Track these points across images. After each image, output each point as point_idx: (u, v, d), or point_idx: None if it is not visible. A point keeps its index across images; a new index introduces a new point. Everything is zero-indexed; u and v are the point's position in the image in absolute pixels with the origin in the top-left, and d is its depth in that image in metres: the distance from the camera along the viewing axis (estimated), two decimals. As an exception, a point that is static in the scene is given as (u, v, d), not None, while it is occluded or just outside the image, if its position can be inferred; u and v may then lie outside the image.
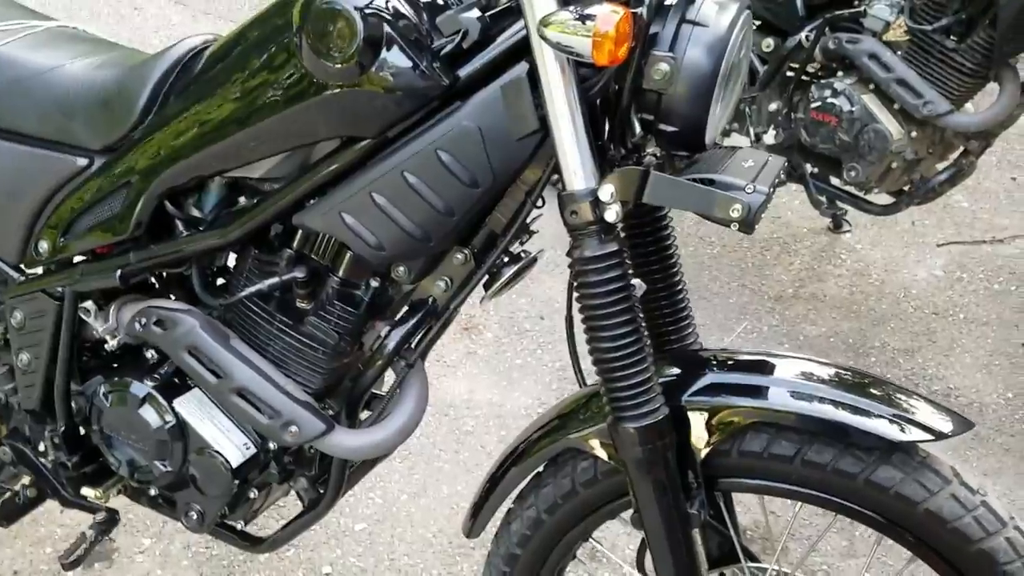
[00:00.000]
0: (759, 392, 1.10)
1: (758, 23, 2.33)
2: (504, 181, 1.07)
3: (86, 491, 1.33)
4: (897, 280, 2.69)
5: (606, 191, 1.00)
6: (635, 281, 1.13)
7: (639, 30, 0.96)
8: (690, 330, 1.25)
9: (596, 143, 1.03)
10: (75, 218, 1.26)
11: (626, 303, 1.04)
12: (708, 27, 0.98)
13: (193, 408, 1.25)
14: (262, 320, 1.23)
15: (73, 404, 1.32)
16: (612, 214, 1.01)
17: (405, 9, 1.03)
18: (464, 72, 1.04)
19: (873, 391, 1.09)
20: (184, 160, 1.16)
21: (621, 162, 1.06)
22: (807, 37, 2.26)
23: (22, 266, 1.33)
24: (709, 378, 1.12)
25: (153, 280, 1.32)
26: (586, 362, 1.12)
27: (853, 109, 2.21)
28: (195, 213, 1.22)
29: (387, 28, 1.01)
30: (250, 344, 1.23)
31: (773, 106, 2.38)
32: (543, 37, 0.94)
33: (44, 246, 1.28)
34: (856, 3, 2.24)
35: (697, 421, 1.09)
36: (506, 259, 1.19)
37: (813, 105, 2.26)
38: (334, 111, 1.07)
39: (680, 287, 1.24)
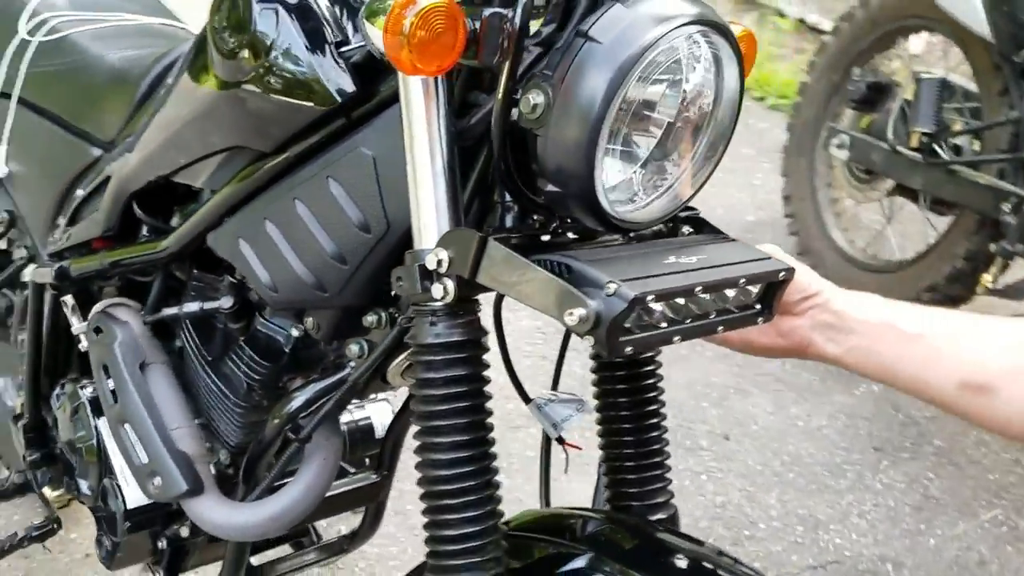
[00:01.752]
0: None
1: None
2: (403, 233, 0.82)
3: (46, 491, 1.28)
4: None
5: (434, 258, 0.71)
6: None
7: (503, 38, 0.67)
8: (658, 497, 0.90)
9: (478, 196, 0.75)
10: (79, 207, 1.22)
11: (460, 418, 0.75)
12: (602, 44, 0.66)
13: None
14: (189, 348, 1.08)
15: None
16: (439, 289, 0.72)
17: (317, 2, 0.84)
18: (379, 87, 0.82)
19: None
20: (139, 163, 1.07)
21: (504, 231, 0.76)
22: None
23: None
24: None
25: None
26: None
27: None
28: (152, 220, 1.11)
29: (285, 19, 0.83)
30: (175, 373, 1.09)
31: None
32: (366, 32, 0.69)
33: (58, 232, 1.26)
34: None
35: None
36: None
37: None
38: (229, 115, 0.91)
39: (656, 433, 0.90)
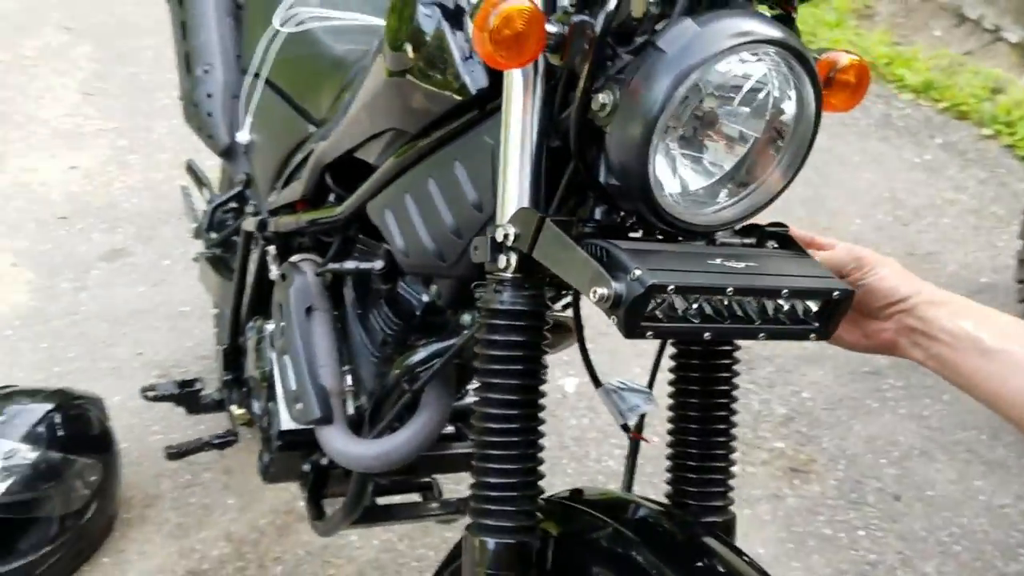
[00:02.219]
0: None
1: None
2: None
3: (233, 408, 1.51)
4: None
5: (502, 232, 0.80)
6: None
7: (588, 44, 0.75)
8: (716, 500, 0.92)
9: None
10: (291, 174, 1.43)
11: (510, 379, 0.83)
12: (667, 53, 0.72)
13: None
14: (348, 302, 1.25)
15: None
16: (503, 260, 0.80)
17: (467, 5, 0.96)
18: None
19: None
20: (333, 139, 1.24)
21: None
22: None
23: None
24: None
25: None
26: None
27: None
28: (338, 189, 1.29)
29: (440, 21, 0.96)
30: (336, 323, 1.25)
31: None
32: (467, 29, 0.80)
33: (275, 193, 1.48)
34: None
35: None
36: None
37: None
38: (391, 101, 1.05)
39: (722, 434, 0.92)
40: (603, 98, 0.75)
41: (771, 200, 0.81)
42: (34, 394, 1.84)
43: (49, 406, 1.81)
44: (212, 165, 2.01)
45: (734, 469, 0.95)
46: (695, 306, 0.76)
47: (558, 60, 0.78)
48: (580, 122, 0.77)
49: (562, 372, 2.31)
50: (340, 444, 1.15)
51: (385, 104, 1.06)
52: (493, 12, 0.73)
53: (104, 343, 2.45)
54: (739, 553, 0.88)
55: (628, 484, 1.07)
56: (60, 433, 1.79)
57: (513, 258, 0.81)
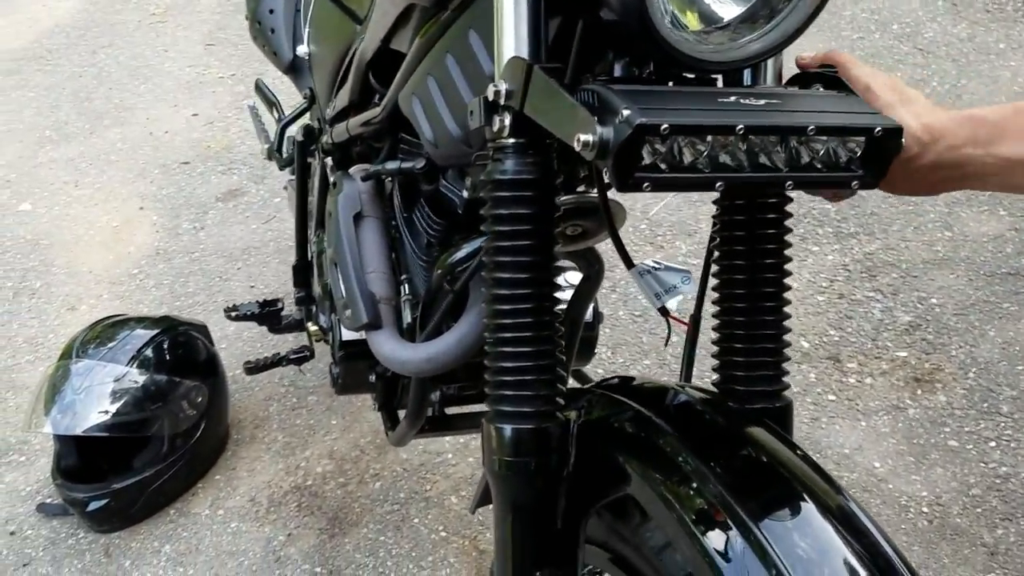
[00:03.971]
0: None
1: None
2: None
3: (309, 325, 1.51)
4: None
5: (492, 89, 0.73)
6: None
7: None
8: (771, 374, 0.82)
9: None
10: (342, 80, 1.40)
11: (518, 256, 0.76)
12: None
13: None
14: (395, 207, 1.21)
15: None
16: (498, 122, 0.73)
17: None
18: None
19: None
20: (368, 34, 1.19)
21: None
22: None
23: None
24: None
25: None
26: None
27: None
28: (381, 88, 1.24)
29: None
30: (385, 228, 1.22)
31: None
32: None
33: (331, 103, 1.45)
34: None
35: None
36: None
37: None
38: None
39: (772, 312, 0.82)
40: None
41: (806, 24, 0.70)
42: (141, 321, 1.92)
43: (155, 331, 1.88)
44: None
45: (792, 356, 0.84)
46: (705, 153, 0.66)
47: None
48: None
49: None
50: (388, 349, 1.11)
51: None
52: None
53: (220, 277, 2.54)
54: (788, 443, 0.77)
55: (687, 374, 0.99)
56: (166, 357, 1.86)
57: (508, 118, 0.73)
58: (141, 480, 1.82)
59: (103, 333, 1.89)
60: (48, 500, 1.90)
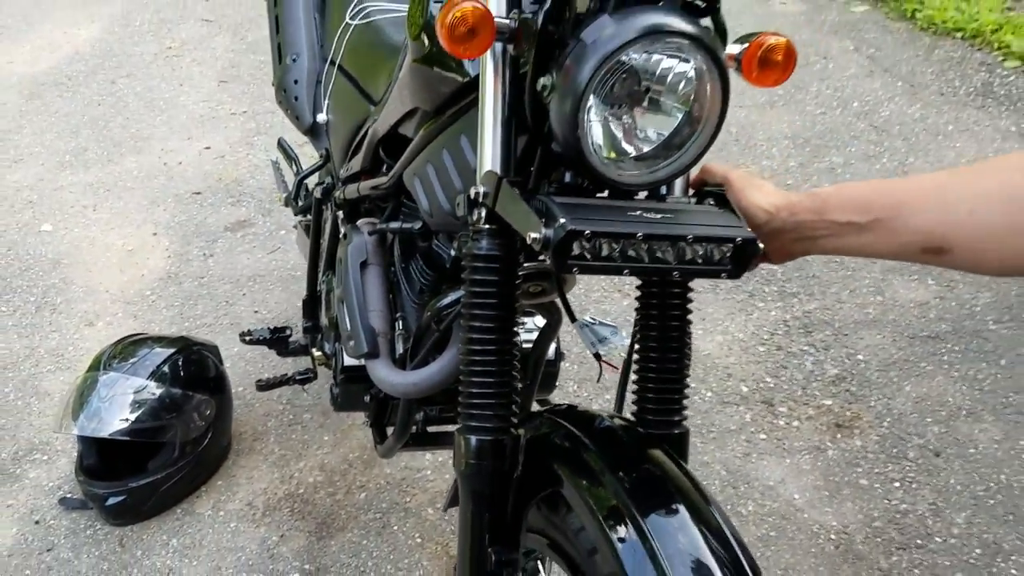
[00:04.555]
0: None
1: None
2: None
3: (314, 351, 1.77)
4: None
5: (474, 191, 1.00)
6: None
7: (532, 36, 0.93)
8: (673, 407, 1.08)
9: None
10: (355, 149, 1.67)
11: (487, 310, 1.02)
12: (587, 44, 0.89)
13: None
14: (395, 258, 1.47)
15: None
16: (476, 214, 1.00)
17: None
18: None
19: None
20: (382, 117, 1.47)
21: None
22: None
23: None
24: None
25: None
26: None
27: None
28: (389, 161, 1.51)
29: None
30: (385, 274, 1.48)
31: None
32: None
33: (345, 166, 1.72)
34: None
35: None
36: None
37: None
38: (413, 83, 1.25)
39: (673, 358, 1.09)
40: (544, 80, 0.93)
41: (692, 164, 0.97)
42: (160, 340, 2.18)
43: (172, 350, 2.13)
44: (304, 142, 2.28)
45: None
46: (617, 249, 0.93)
47: (512, 50, 0.97)
48: (532, 100, 0.96)
49: (626, 332, 2.48)
50: (383, 374, 1.37)
51: (411, 86, 1.27)
52: (451, 12, 0.92)
53: (227, 302, 2.79)
54: (678, 463, 1.03)
55: (618, 406, 1.25)
56: (181, 373, 2.11)
57: (483, 212, 1.00)
58: (154, 481, 2.06)
59: (126, 350, 2.14)
60: (69, 495, 2.14)
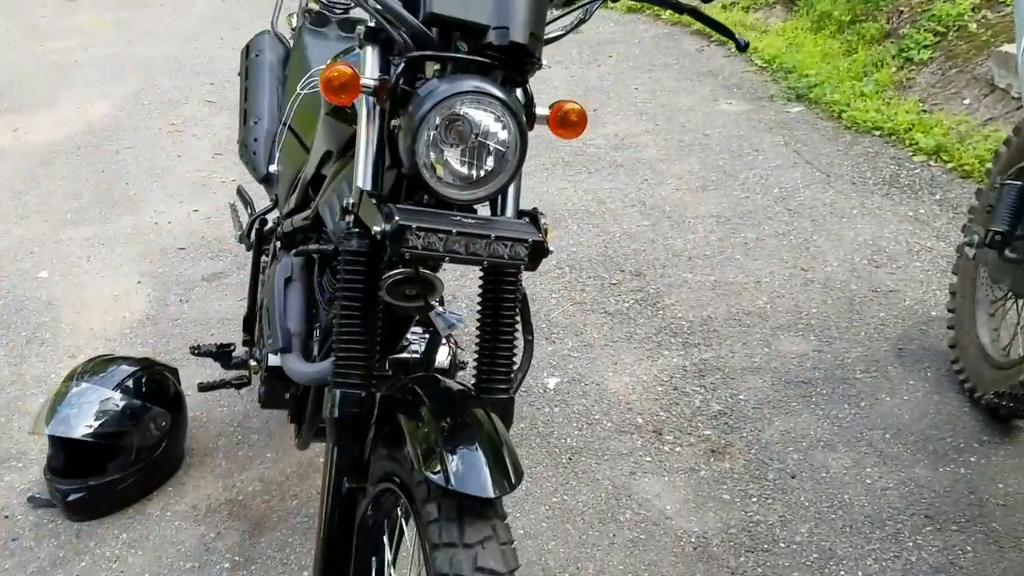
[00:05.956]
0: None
1: None
2: None
3: (251, 361, 2.10)
4: None
5: (347, 201, 1.35)
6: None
7: (388, 93, 1.28)
8: (499, 378, 1.40)
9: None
10: (293, 191, 2.04)
11: (355, 294, 1.35)
12: (422, 96, 1.23)
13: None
14: (315, 274, 1.82)
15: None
16: (347, 219, 1.34)
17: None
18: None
19: None
20: (309, 161, 1.84)
21: None
22: None
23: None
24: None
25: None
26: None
27: None
28: (314, 198, 1.87)
29: None
30: (303, 289, 1.83)
31: None
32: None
33: (286, 207, 2.09)
34: None
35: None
36: None
37: None
38: (325, 131, 1.63)
39: (503, 340, 1.40)
40: (395, 122, 1.29)
41: (500, 190, 1.30)
42: (127, 359, 2.51)
43: (137, 368, 2.47)
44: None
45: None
46: (442, 244, 1.27)
47: (376, 102, 1.33)
48: (389, 137, 1.31)
49: (548, 372, 2.81)
50: (293, 365, 1.70)
51: (324, 134, 1.65)
52: (329, 71, 1.29)
53: (195, 339, 3.12)
54: (492, 421, 1.31)
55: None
56: (143, 388, 2.44)
57: (351, 218, 1.34)
58: (111, 480, 2.36)
59: (98, 365, 2.47)
60: (37, 495, 2.44)
